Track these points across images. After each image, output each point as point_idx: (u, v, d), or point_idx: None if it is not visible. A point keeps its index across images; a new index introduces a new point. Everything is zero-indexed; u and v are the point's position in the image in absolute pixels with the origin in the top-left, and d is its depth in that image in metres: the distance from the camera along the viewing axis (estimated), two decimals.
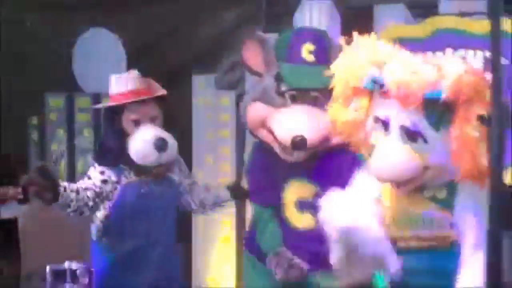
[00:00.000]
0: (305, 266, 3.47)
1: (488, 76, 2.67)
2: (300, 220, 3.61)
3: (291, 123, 3.48)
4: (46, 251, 4.86)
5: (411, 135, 2.93)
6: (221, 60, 5.37)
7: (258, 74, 3.64)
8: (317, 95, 3.47)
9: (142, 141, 3.81)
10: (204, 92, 5.24)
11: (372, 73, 2.98)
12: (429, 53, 3.90)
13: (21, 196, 4.87)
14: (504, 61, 3.74)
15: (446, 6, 4.53)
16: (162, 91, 3.94)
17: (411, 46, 3.22)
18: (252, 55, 3.72)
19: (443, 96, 2.85)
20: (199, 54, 5.33)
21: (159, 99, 3.92)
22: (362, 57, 3.02)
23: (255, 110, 3.64)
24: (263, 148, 3.68)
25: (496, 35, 2.14)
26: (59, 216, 4.58)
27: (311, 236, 3.42)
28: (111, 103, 3.93)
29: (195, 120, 5.21)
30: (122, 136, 3.84)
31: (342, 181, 3.17)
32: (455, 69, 2.89)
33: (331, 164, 3.50)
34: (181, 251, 4.28)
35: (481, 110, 2.85)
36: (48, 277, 4.01)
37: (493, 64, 2.20)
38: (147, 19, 5.34)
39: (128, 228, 4.02)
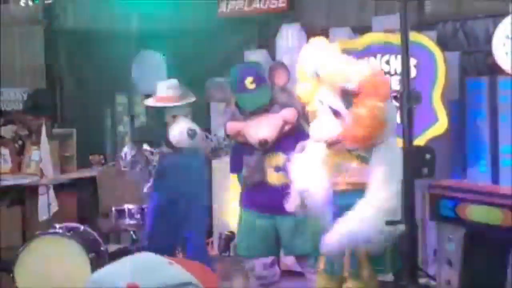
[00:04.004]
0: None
1: (385, 77, 3.62)
2: (277, 179, 4.23)
3: (254, 132, 4.22)
4: (113, 196, 6.12)
5: (334, 112, 3.53)
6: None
7: (226, 102, 4.41)
8: (266, 107, 4.19)
9: (179, 131, 4.59)
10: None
11: (313, 68, 3.56)
12: (364, 58, 4.53)
13: (103, 161, 6.60)
14: (412, 60, 4.79)
15: (376, 26, 5.61)
16: (189, 99, 4.73)
17: (352, 54, 3.81)
18: (216, 94, 4.42)
19: (353, 87, 3.44)
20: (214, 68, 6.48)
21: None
22: (308, 58, 3.62)
23: (231, 127, 4.33)
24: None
25: (405, 43, 2.58)
26: (122, 174, 5.94)
27: (283, 188, 3.93)
28: (155, 102, 4.74)
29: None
30: (165, 125, 4.63)
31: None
32: (363, 71, 3.46)
33: (292, 140, 4.08)
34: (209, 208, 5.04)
35: (375, 100, 3.36)
36: (113, 214, 5.48)
37: (402, 59, 2.63)
38: (177, 45, 6.75)
39: (164, 184, 4.81)
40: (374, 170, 3.40)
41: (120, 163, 4.83)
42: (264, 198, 4.27)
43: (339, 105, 3.47)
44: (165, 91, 4.73)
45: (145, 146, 4.70)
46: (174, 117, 4.65)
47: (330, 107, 3.49)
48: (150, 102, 4.82)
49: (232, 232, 6.19)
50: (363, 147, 3.44)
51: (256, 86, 4.22)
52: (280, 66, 4.35)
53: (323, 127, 3.51)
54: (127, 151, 4.72)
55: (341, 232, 3.35)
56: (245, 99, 4.25)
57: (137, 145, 4.73)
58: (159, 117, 4.71)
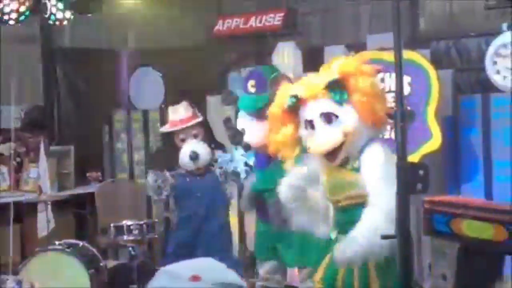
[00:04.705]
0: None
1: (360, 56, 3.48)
2: None
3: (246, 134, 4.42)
4: (111, 213, 6.12)
5: (328, 116, 3.39)
6: (225, 86, 6.73)
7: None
8: (262, 113, 4.07)
9: (183, 154, 4.68)
10: (214, 107, 6.46)
11: (291, 93, 3.48)
12: None
13: (100, 178, 6.65)
14: (406, 78, 4.90)
15: (370, 44, 5.63)
16: (198, 118, 4.77)
17: None
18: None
19: (336, 77, 3.36)
20: (211, 84, 6.88)
21: (202, 121, 4.76)
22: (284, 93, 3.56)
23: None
24: None
25: (399, 61, 2.56)
26: (120, 190, 6.45)
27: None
28: (167, 128, 4.81)
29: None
30: (176, 149, 4.72)
31: None
32: (340, 60, 3.46)
33: None
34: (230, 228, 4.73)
35: (365, 81, 3.30)
36: (112, 230, 5.40)
37: (396, 78, 2.59)
38: (174, 62, 6.87)
39: (180, 204, 4.85)
40: (367, 176, 3.37)
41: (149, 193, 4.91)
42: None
43: (329, 105, 3.40)
44: (173, 115, 4.79)
45: (166, 172, 4.77)
46: (183, 140, 4.73)
47: (322, 114, 3.42)
48: (164, 128, 4.91)
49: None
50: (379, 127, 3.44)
51: (256, 90, 4.32)
52: (282, 78, 4.35)
53: (320, 139, 3.43)
54: (149, 179, 4.77)
55: (358, 243, 3.24)
56: (243, 100, 4.39)
57: (157, 171, 4.77)
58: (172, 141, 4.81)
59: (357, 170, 3.44)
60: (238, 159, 4.70)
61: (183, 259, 4.42)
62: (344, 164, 3.46)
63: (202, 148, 4.64)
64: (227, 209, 4.92)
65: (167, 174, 4.76)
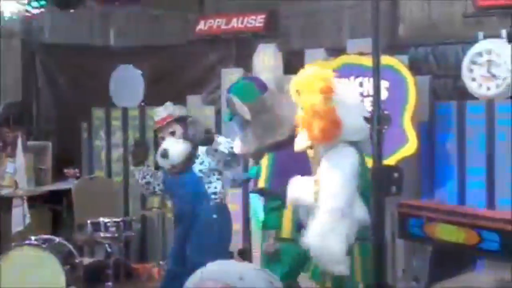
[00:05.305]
0: None
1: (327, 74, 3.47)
2: None
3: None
4: (88, 209, 6.07)
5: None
6: (206, 86, 6.95)
7: None
8: (248, 120, 4.12)
9: (158, 153, 4.71)
10: (194, 106, 6.47)
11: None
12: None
13: (78, 174, 6.63)
14: (384, 83, 5.03)
15: (350, 48, 5.71)
16: (172, 117, 4.70)
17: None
18: None
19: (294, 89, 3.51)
20: (191, 84, 6.93)
21: (179, 118, 4.68)
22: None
23: None
24: None
25: (377, 66, 2.68)
26: (98, 187, 6.40)
27: None
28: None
29: None
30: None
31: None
32: (304, 72, 3.55)
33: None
34: (218, 224, 4.60)
35: (307, 99, 3.40)
36: (88, 227, 5.52)
37: (373, 83, 2.74)
38: (155, 61, 6.93)
39: (171, 201, 5.05)
40: (322, 175, 3.44)
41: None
42: None
43: (300, 112, 3.54)
44: (155, 116, 4.86)
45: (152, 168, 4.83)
46: (162, 139, 4.75)
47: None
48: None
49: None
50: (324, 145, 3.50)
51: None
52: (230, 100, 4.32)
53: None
54: (137, 177, 4.82)
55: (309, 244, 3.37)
56: (226, 111, 4.52)
57: (143, 167, 4.82)
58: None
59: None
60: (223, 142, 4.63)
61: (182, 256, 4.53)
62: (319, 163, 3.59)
63: (173, 146, 4.63)
64: (213, 205, 4.75)
65: (156, 170, 4.81)
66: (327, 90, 3.37)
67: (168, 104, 4.80)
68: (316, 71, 3.52)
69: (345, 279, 3.43)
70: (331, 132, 3.36)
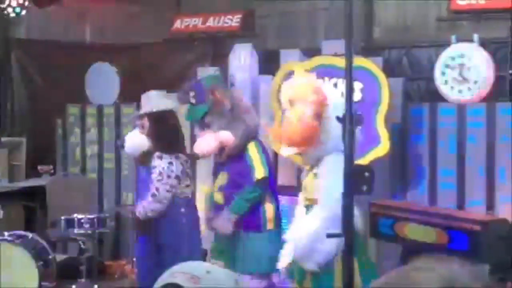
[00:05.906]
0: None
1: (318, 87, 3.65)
2: (219, 198, 4.46)
3: (195, 144, 4.56)
4: (62, 206, 6.03)
5: None
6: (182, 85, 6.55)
7: None
8: (207, 122, 4.34)
9: None
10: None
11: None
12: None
13: (52, 171, 6.59)
14: (358, 84, 5.09)
15: (325, 49, 5.73)
16: (142, 111, 4.65)
17: None
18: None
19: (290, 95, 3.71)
20: (167, 82, 6.71)
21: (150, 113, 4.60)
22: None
23: None
24: None
25: (349, 67, 2.73)
26: (72, 184, 6.45)
27: (222, 207, 4.35)
28: None
29: None
30: None
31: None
32: (300, 80, 3.73)
33: (236, 161, 4.37)
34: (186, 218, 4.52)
35: (294, 109, 3.59)
36: (62, 224, 5.48)
37: (346, 83, 2.77)
38: (132, 59, 6.97)
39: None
40: (320, 182, 3.57)
41: None
42: (213, 216, 4.48)
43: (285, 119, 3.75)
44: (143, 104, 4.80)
45: None
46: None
47: None
48: None
49: None
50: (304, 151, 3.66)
51: (196, 101, 4.45)
52: (219, 86, 4.49)
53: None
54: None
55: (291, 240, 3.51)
56: (187, 111, 4.55)
57: None
58: None
59: (316, 176, 3.71)
60: None
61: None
62: (311, 169, 3.75)
63: (131, 138, 4.61)
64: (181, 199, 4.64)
65: None
66: (322, 103, 3.51)
67: (148, 94, 4.71)
68: (310, 81, 3.64)
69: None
70: (313, 139, 3.52)
